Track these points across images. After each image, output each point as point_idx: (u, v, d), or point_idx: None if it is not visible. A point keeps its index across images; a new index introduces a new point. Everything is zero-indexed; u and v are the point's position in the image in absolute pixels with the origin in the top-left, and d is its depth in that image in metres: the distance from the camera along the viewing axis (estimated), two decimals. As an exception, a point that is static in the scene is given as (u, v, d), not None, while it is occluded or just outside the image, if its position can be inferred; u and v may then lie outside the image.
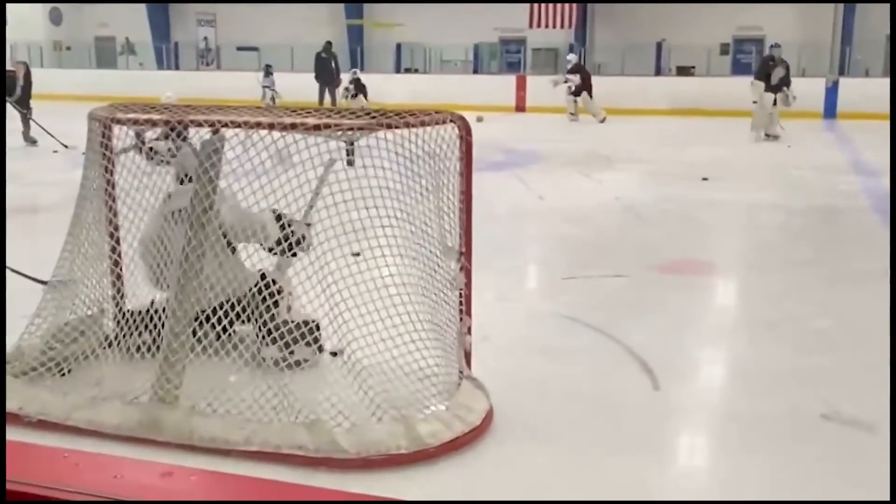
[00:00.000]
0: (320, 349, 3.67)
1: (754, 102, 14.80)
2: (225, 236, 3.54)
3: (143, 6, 28.98)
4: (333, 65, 19.47)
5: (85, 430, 3.12)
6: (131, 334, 3.49)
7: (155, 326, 3.38)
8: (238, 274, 3.55)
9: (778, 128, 14.37)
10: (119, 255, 3.74)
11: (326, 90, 19.28)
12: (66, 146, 11.54)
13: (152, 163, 3.86)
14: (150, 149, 4.00)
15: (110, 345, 3.52)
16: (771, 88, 14.51)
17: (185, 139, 3.62)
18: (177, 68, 28.02)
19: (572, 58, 19.32)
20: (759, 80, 14.80)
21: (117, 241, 3.71)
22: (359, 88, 18.79)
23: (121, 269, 3.74)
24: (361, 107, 17.81)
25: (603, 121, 17.61)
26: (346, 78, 19.25)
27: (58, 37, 28.71)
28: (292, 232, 3.56)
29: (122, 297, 3.78)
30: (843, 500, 2.90)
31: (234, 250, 3.63)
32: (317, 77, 19.28)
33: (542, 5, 23.54)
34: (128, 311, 3.64)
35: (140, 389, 3.26)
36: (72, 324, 3.59)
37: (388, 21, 26.26)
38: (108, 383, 3.33)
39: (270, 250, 3.63)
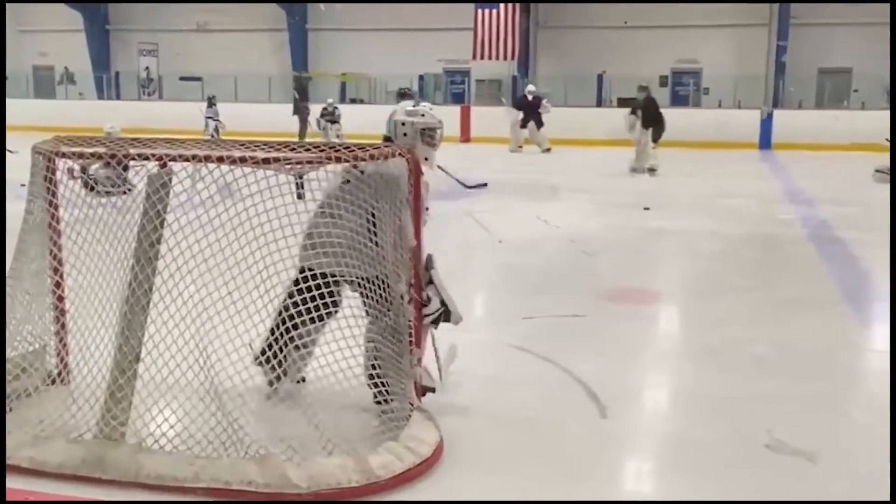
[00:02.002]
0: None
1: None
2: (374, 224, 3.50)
3: (82, 35, 28.64)
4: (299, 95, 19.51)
5: (27, 470, 3.04)
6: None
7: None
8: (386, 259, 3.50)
9: (653, 161, 14.61)
10: (62, 290, 3.67)
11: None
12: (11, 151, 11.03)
13: (94, 194, 3.83)
14: (93, 179, 3.97)
15: (53, 381, 3.45)
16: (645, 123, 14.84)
17: (126, 169, 3.59)
18: (118, 98, 27.69)
19: (532, 88, 19.50)
20: (633, 115, 15.12)
21: (61, 276, 3.64)
22: (331, 119, 18.83)
23: (64, 304, 3.68)
24: (337, 136, 17.93)
25: (547, 150, 17.89)
26: (318, 109, 19.34)
27: (-7, 66, 28.13)
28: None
29: (64, 331, 3.70)
30: (842, 499, 2.97)
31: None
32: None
33: (486, 37, 23.86)
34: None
35: (84, 426, 3.20)
36: (13, 360, 3.51)
37: (332, 71, 26.36)
38: (52, 421, 3.26)
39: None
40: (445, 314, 3.67)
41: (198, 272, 3.19)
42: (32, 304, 3.57)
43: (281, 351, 3.47)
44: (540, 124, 18.37)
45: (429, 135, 3.82)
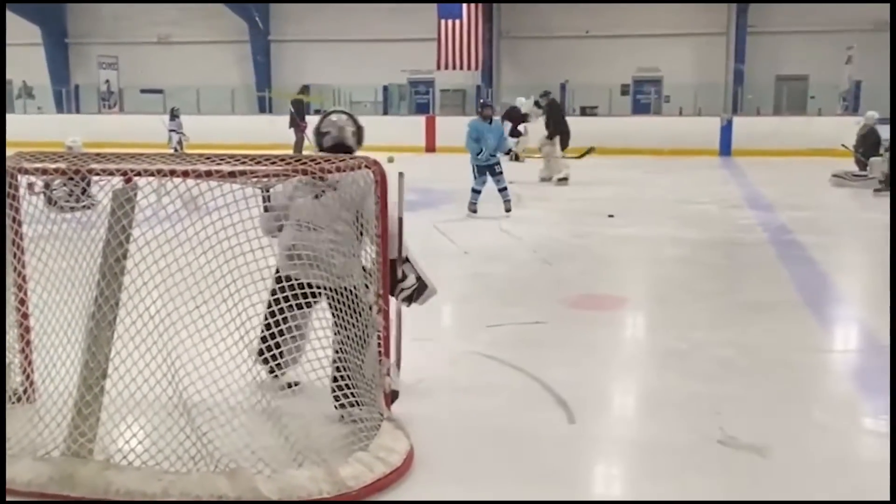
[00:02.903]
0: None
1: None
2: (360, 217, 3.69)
3: (41, 49, 28.29)
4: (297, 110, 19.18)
5: (-7, 490, 3.01)
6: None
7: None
8: (342, 268, 3.69)
9: (566, 170, 14.39)
10: (27, 307, 3.64)
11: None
12: None
13: (56, 210, 3.81)
14: (55, 195, 3.95)
15: (19, 399, 3.42)
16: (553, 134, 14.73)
17: (88, 184, 3.60)
18: (77, 112, 27.34)
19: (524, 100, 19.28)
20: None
21: (25, 293, 3.61)
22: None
23: (28, 321, 3.64)
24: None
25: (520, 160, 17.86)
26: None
27: (-54, 79, 27.69)
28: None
29: (29, 348, 3.67)
30: (842, 499, 3.03)
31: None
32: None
33: (450, 47, 23.97)
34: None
35: (52, 443, 3.18)
36: (-23, 379, 3.47)
37: (294, 83, 26.25)
38: (18, 439, 3.23)
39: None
40: (419, 290, 3.73)
41: (164, 287, 3.18)
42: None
43: (277, 346, 3.58)
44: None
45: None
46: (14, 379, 3.62)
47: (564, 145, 14.68)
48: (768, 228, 9.53)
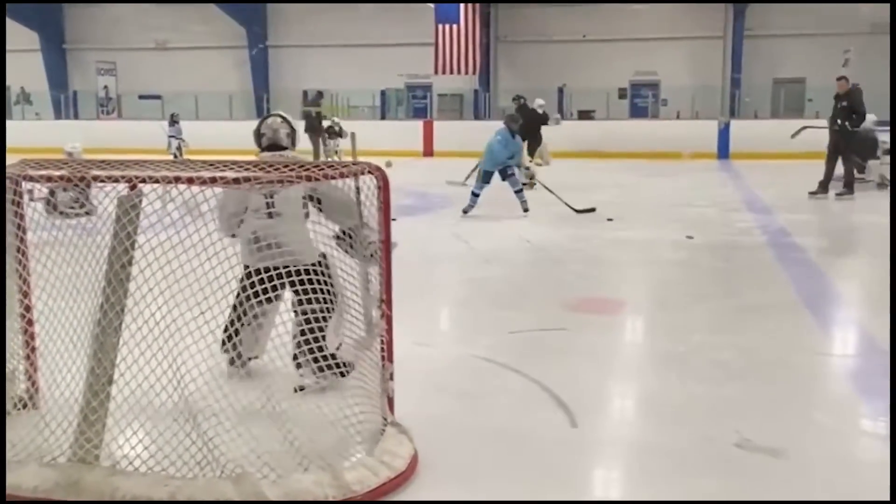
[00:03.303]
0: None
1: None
2: (308, 204, 3.97)
3: (38, 55, 28.32)
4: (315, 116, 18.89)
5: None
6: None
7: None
8: (305, 244, 3.90)
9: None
10: (31, 313, 3.65)
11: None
12: None
13: (57, 216, 3.84)
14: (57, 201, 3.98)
15: (24, 405, 3.44)
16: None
17: (85, 194, 3.65)
18: (76, 118, 27.36)
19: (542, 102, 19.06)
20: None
21: (30, 299, 3.63)
22: (332, 135, 18.84)
23: (33, 328, 3.66)
24: (335, 152, 18.11)
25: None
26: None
27: (-58, 86, 27.72)
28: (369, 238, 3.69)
29: (35, 355, 3.68)
30: (842, 500, 3.06)
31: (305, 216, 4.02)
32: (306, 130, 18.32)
33: (447, 52, 24.03)
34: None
35: (58, 449, 3.19)
36: (-17, 385, 3.49)
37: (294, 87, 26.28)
38: (24, 445, 3.24)
39: (339, 237, 3.87)
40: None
41: (169, 293, 3.20)
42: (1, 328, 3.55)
43: (236, 334, 3.73)
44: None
45: None
46: (20, 385, 3.64)
47: (532, 151, 14.78)
48: (767, 231, 9.56)
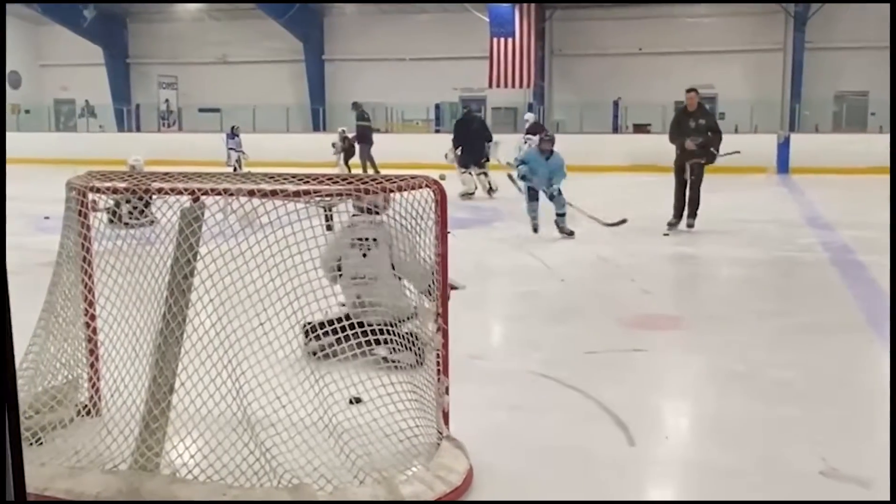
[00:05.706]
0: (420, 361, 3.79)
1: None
2: (394, 268, 4.59)
3: (103, 69, 29.10)
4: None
5: (64, 501, 3.08)
6: (315, 339, 4.00)
7: (335, 332, 3.71)
8: (400, 300, 4.46)
9: (465, 188, 14.75)
10: (95, 322, 3.73)
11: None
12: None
13: (119, 226, 3.92)
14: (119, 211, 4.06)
15: (88, 412, 3.51)
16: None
17: (147, 205, 3.73)
18: (138, 130, 28.04)
19: (530, 116, 19.44)
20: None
21: (94, 308, 3.71)
22: (347, 146, 19.15)
23: (97, 336, 3.74)
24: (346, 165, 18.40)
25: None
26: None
27: (15, 100, 28.64)
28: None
29: (98, 363, 3.76)
30: (842, 500, 2.96)
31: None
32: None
33: (502, 65, 24.06)
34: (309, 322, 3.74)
35: (119, 457, 3.25)
36: (49, 392, 3.57)
37: (348, 100, 26.50)
38: (87, 452, 3.31)
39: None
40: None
41: (230, 304, 3.24)
42: (67, 336, 3.63)
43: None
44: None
45: None
46: (83, 392, 3.71)
47: (465, 163, 14.80)
48: (829, 248, 9.34)
